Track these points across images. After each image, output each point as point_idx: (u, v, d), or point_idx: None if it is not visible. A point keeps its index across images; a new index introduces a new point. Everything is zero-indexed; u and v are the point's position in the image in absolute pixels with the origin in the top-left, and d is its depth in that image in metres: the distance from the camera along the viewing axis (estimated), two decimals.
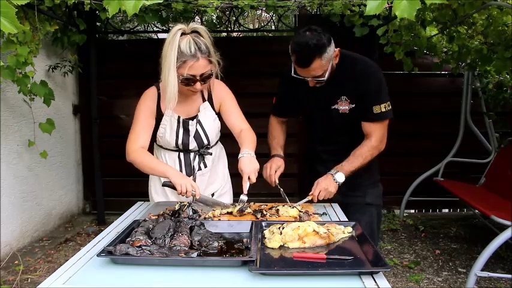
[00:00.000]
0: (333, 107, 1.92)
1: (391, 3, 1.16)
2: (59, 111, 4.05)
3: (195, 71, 1.70)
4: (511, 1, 2.83)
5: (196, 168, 1.96)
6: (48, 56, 3.86)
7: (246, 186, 1.74)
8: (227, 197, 2.07)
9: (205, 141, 1.93)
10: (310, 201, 1.87)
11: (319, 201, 1.85)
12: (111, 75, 4.34)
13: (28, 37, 2.81)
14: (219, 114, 1.97)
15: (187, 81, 1.73)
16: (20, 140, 3.43)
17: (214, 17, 4.69)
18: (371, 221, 2.04)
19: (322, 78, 1.79)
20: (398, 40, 3.33)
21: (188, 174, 1.94)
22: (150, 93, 1.91)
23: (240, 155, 1.80)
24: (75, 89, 4.41)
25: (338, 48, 1.81)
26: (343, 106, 1.90)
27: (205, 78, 1.75)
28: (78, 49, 4.04)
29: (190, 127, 1.89)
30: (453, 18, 3.06)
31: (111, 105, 4.40)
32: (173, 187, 1.74)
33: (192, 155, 1.95)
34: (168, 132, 1.89)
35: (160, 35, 4.82)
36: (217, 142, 2.05)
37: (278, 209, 1.74)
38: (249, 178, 1.73)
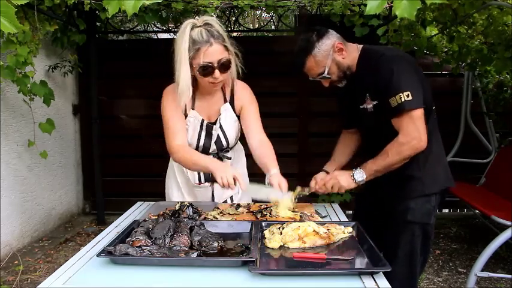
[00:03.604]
0: (362, 107, 1.77)
1: (391, 3, 1.16)
2: (59, 111, 4.06)
3: (211, 57, 1.63)
4: (511, 1, 2.83)
5: None
6: (48, 56, 3.86)
7: (277, 187, 1.68)
8: (246, 199, 2.03)
9: (225, 145, 1.90)
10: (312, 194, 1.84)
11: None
12: (111, 75, 4.34)
13: (28, 37, 2.81)
14: (238, 117, 1.91)
15: (205, 70, 1.66)
16: (20, 140, 3.43)
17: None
18: (410, 240, 1.77)
19: (325, 75, 1.74)
20: (398, 40, 3.33)
21: (206, 178, 1.92)
22: (172, 90, 1.81)
23: (269, 175, 1.74)
24: (75, 89, 4.41)
25: (338, 41, 1.72)
26: (369, 104, 1.73)
27: (223, 66, 1.67)
28: (78, 49, 4.04)
29: (213, 131, 1.85)
30: (453, 18, 3.06)
31: (111, 105, 4.41)
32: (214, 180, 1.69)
33: (210, 157, 1.91)
34: (191, 134, 1.85)
35: (160, 35, 4.83)
36: (236, 143, 2.00)
37: (271, 209, 1.74)
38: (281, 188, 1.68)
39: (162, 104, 1.84)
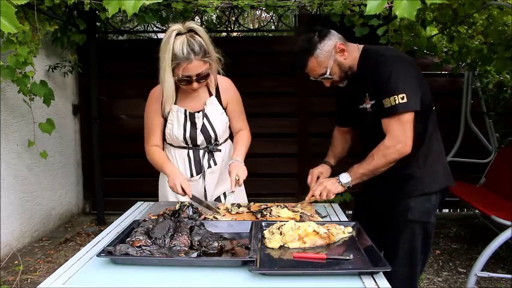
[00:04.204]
0: (361, 107, 1.78)
1: (391, 3, 1.16)
2: (59, 111, 4.05)
3: (189, 72, 1.73)
4: (511, 1, 2.83)
5: (206, 166, 1.95)
6: (48, 56, 3.86)
7: (233, 184, 1.79)
8: (241, 197, 2.05)
9: (213, 135, 1.93)
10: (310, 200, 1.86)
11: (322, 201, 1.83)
12: (111, 75, 4.34)
13: (28, 37, 2.81)
14: (225, 110, 2.00)
15: (183, 82, 1.78)
16: (20, 140, 3.42)
17: (214, 17, 4.70)
18: (410, 239, 1.77)
19: (327, 76, 1.74)
20: (398, 40, 3.33)
21: (197, 172, 1.95)
22: (156, 93, 1.94)
23: (230, 162, 1.89)
24: (75, 89, 4.41)
25: (339, 42, 1.72)
26: (368, 104, 1.74)
27: (201, 78, 1.78)
28: (78, 49, 4.04)
29: (196, 120, 1.90)
30: (453, 18, 3.05)
31: (111, 105, 4.41)
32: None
33: (201, 152, 1.95)
34: (176, 127, 1.90)
35: (160, 35, 4.82)
36: (226, 140, 2.05)
37: (272, 209, 1.75)
38: (238, 179, 1.79)
39: (146, 105, 1.98)
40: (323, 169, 1.98)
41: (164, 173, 1.88)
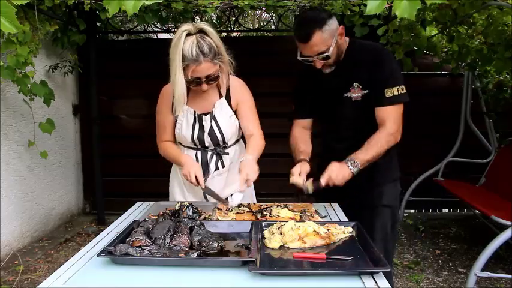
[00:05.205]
0: (346, 95, 1.84)
1: (391, 3, 1.16)
2: (59, 111, 4.06)
3: (198, 73, 1.71)
4: (511, 1, 2.83)
5: (213, 167, 1.94)
6: (48, 56, 3.86)
7: (242, 183, 1.74)
8: (248, 199, 2.02)
9: (220, 139, 1.91)
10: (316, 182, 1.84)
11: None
12: (111, 75, 4.35)
13: (28, 37, 2.81)
14: (235, 112, 1.95)
15: (192, 83, 1.76)
16: (20, 140, 3.43)
17: (214, 17, 4.70)
18: (384, 224, 1.90)
19: (327, 54, 1.74)
20: (398, 40, 3.33)
21: (204, 174, 1.93)
22: (167, 91, 1.93)
23: (241, 159, 1.83)
24: (75, 89, 4.41)
25: (342, 26, 1.77)
26: (356, 93, 1.82)
27: (211, 80, 1.76)
28: (78, 49, 4.04)
29: (204, 123, 1.88)
30: (453, 18, 3.06)
31: (111, 105, 4.41)
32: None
33: (209, 153, 1.94)
34: (185, 127, 1.90)
35: (160, 35, 4.83)
36: (236, 142, 2.01)
37: (272, 209, 1.74)
38: (247, 180, 1.72)
39: (157, 103, 1.97)
40: (304, 167, 1.89)
41: (180, 163, 1.86)
